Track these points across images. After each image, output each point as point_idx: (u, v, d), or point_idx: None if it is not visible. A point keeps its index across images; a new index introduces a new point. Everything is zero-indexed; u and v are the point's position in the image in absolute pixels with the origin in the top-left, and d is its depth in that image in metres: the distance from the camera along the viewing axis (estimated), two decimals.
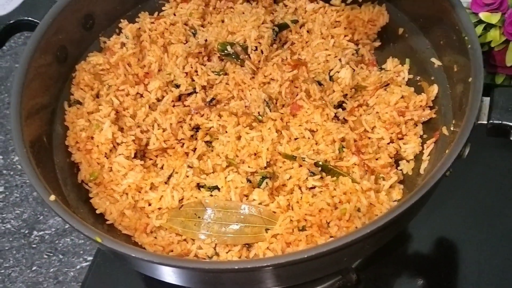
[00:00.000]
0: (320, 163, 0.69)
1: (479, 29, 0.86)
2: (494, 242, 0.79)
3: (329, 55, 0.80)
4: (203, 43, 0.79)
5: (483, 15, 0.85)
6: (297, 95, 0.76)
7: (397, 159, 0.74)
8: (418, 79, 0.78)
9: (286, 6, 0.87)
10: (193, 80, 0.78)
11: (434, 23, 0.76)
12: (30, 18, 0.76)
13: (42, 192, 0.59)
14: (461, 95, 0.68)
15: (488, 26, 0.86)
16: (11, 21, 0.76)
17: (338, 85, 0.77)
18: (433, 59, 0.77)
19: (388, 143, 0.73)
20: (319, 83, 0.76)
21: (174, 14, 0.85)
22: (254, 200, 0.67)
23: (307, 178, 0.68)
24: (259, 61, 0.78)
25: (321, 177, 0.69)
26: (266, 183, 0.67)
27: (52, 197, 0.59)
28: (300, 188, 0.68)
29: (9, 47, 1.14)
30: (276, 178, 0.69)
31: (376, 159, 0.71)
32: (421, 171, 0.70)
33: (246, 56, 0.77)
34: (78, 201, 0.68)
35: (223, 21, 0.82)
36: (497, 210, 0.81)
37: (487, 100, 0.64)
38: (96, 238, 0.54)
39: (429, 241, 0.81)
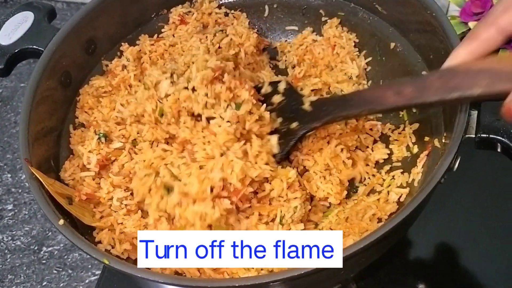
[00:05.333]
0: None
1: None
2: (491, 243, 0.81)
3: None
4: None
5: (472, 25, 0.88)
6: None
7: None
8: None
9: None
10: None
11: (423, 38, 0.78)
12: (34, 47, 0.79)
13: (52, 217, 0.61)
14: (450, 109, 0.70)
15: None
16: (16, 50, 0.79)
17: None
18: (424, 73, 0.79)
19: None
20: None
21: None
22: None
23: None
24: None
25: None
26: None
27: (61, 222, 0.61)
28: None
29: None
30: None
31: None
32: (415, 184, 0.72)
33: None
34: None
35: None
36: (492, 212, 0.84)
37: (474, 113, 0.66)
38: (104, 260, 0.57)
39: (428, 246, 0.83)
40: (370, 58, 0.87)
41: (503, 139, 0.64)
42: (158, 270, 0.64)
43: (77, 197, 0.68)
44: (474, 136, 0.66)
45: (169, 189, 0.65)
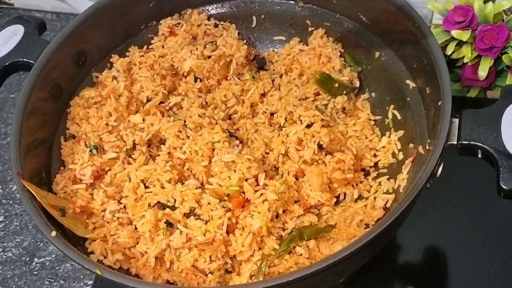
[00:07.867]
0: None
1: (452, 45, 0.90)
2: (476, 245, 0.83)
3: None
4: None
5: (454, 33, 0.89)
6: None
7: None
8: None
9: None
10: None
11: (407, 47, 0.80)
12: (25, 59, 0.79)
13: (44, 229, 0.62)
14: (433, 116, 0.72)
15: (461, 43, 0.90)
16: (7, 63, 0.79)
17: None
18: (408, 81, 0.81)
19: None
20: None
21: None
22: None
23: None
24: None
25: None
26: None
27: (53, 233, 0.62)
28: None
29: None
30: None
31: None
32: (401, 190, 0.74)
33: None
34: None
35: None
36: (476, 215, 0.85)
37: (456, 121, 0.68)
38: (97, 271, 0.58)
39: (415, 250, 0.84)
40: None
41: (483, 145, 0.66)
42: (151, 280, 0.64)
43: (71, 209, 0.69)
44: (455, 143, 0.67)
45: None
